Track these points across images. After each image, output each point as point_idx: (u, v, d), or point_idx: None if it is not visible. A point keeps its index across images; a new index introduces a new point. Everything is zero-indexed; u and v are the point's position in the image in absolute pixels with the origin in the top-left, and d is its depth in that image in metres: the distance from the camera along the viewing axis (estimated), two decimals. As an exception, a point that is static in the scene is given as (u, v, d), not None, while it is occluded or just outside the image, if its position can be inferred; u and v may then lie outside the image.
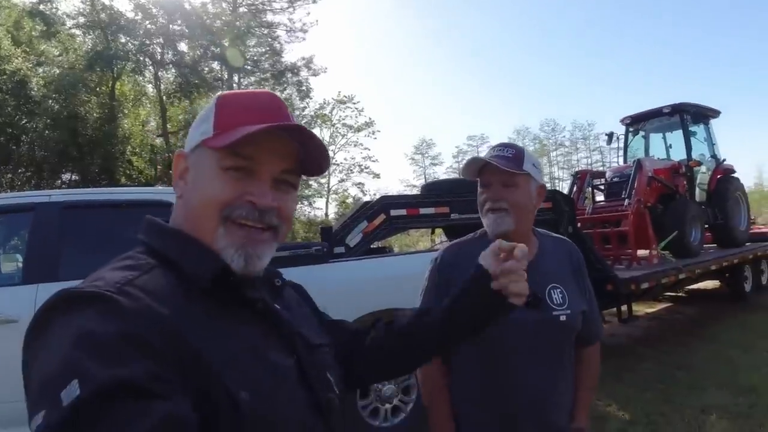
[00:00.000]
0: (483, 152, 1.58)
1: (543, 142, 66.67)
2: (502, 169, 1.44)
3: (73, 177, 18.84)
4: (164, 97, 21.98)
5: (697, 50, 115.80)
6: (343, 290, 3.60)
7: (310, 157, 0.85)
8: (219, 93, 0.89)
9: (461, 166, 1.59)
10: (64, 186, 17.94)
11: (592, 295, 1.65)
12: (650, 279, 5.92)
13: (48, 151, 17.52)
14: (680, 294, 9.18)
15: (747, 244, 8.67)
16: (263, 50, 25.16)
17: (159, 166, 20.37)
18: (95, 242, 3.24)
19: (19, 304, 2.91)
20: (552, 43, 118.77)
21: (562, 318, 1.47)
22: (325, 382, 0.86)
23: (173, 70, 22.62)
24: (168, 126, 21.80)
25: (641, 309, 8.19)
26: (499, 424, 1.47)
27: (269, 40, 25.11)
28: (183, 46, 22.45)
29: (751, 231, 9.27)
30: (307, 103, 28.30)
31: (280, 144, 0.81)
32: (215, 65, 23.33)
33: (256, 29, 24.22)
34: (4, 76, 16.49)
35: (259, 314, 0.80)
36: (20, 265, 3.56)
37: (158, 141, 21.74)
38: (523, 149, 1.53)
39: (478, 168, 1.53)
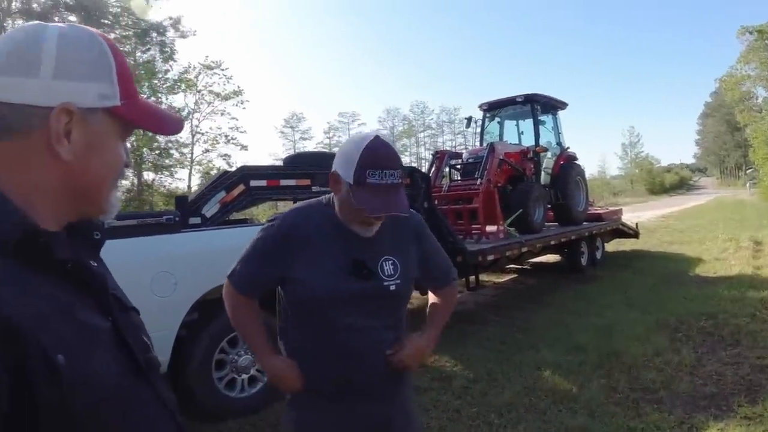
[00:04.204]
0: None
1: (412, 123, 68.58)
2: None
3: None
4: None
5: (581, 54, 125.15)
6: (195, 260, 3.54)
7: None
8: (101, 33, 0.80)
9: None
10: None
11: (435, 248, 1.78)
12: (496, 251, 6.43)
13: None
14: (525, 267, 9.92)
15: (584, 223, 9.49)
16: (126, 5, 23.21)
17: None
18: None
19: None
20: (427, 28, 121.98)
21: (392, 288, 1.58)
22: (143, 344, 0.85)
23: (21, 21, 20.26)
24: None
25: (490, 279, 8.83)
26: (335, 381, 1.55)
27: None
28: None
29: (589, 212, 10.12)
30: (171, 66, 26.55)
31: None
32: (72, 18, 21.20)
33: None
34: None
35: (70, 273, 0.74)
36: None
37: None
38: (399, 159, 1.52)
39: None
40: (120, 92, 0.77)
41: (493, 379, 4.31)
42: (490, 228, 7.30)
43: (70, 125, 0.72)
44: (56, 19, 19.65)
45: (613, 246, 11.37)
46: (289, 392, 1.63)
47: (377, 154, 1.45)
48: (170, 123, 0.86)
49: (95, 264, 0.84)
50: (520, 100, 9.25)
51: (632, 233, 11.18)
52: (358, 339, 1.54)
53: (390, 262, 1.60)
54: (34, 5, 19.96)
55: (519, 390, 4.04)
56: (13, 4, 19.65)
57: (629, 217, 12.27)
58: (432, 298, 1.85)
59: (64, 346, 0.65)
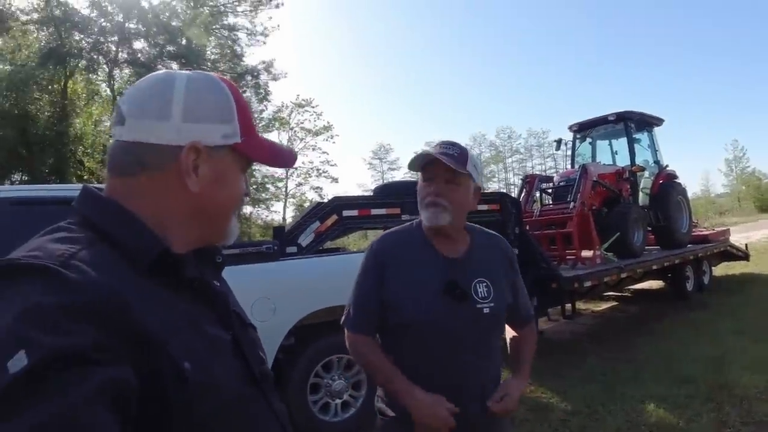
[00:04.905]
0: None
1: (499, 149, 67.88)
2: (446, 166, 1.52)
3: (23, 177, 18.28)
4: (118, 97, 21.53)
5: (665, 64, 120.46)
6: (292, 287, 3.69)
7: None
8: (222, 77, 0.90)
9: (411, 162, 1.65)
10: (12, 187, 17.32)
11: (521, 284, 1.77)
12: (593, 277, 6.17)
13: (-5, 151, 16.93)
14: (625, 294, 9.45)
15: (689, 245, 8.92)
16: (223, 52, 24.91)
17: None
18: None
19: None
20: (509, 51, 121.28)
21: (486, 310, 1.56)
22: (258, 357, 0.92)
23: (128, 70, 22.21)
24: (122, 126, 21.26)
25: (588, 307, 8.46)
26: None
27: (229, 42, 24.90)
28: (139, 45, 22.09)
29: (693, 233, 9.54)
30: (266, 106, 28.08)
31: None
32: (174, 65, 22.98)
33: (216, 30, 23.97)
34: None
35: (197, 290, 0.83)
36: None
37: (111, 141, 21.17)
38: (467, 150, 1.59)
39: (424, 162, 1.59)
40: (240, 130, 0.86)
41: (594, 411, 4.12)
42: (585, 253, 7.03)
43: (197, 161, 0.81)
44: (160, 67, 21.36)
45: (721, 270, 10.68)
46: (444, 427, 1.48)
47: (441, 141, 1.61)
48: (284, 157, 0.96)
49: (218, 284, 0.93)
50: (612, 118, 8.91)
51: (742, 255, 10.48)
52: (452, 368, 1.52)
53: (483, 284, 1.58)
54: (139, 55, 21.75)
55: (621, 424, 3.84)
56: (120, 54, 21.53)
57: (738, 238, 11.57)
58: (510, 332, 1.80)
59: (190, 354, 0.72)
